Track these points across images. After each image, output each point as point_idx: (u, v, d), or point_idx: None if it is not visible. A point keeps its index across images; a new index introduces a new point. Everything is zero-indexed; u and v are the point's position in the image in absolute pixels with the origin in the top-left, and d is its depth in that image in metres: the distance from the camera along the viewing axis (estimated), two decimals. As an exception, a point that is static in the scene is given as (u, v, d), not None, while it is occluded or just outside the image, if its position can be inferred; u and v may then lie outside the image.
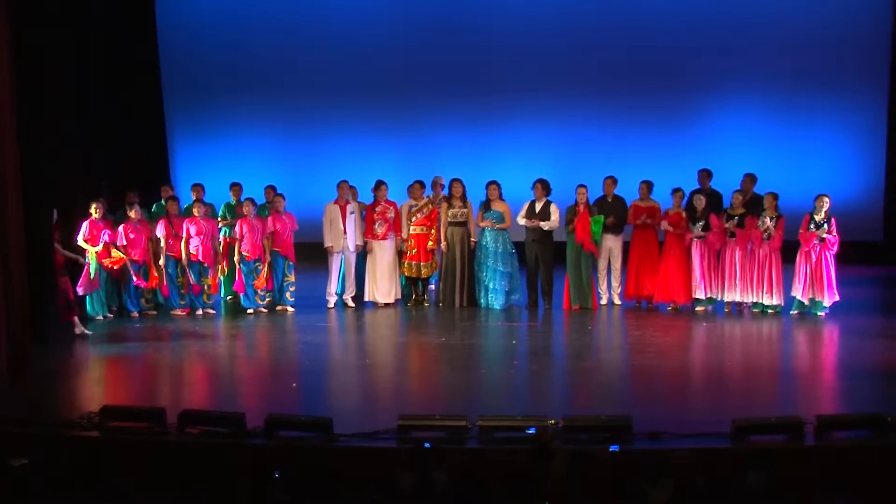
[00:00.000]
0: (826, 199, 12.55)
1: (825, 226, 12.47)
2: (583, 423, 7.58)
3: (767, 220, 12.61)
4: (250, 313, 13.35)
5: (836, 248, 12.51)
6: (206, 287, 13.45)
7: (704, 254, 12.91)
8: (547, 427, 7.33)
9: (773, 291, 12.68)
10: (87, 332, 11.92)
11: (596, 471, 6.35)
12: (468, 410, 7.85)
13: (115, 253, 12.80)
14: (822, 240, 12.42)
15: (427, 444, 6.62)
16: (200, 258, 13.32)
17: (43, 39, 11.70)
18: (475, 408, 8.02)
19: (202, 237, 13.32)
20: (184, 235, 13.25)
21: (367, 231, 13.77)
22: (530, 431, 7.32)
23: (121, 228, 13.01)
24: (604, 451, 6.62)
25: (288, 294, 13.60)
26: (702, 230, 12.87)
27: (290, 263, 13.59)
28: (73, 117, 13.64)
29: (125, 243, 12.95)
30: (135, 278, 13.00)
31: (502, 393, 9.35)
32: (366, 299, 13.89)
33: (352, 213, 13.74)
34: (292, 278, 13.63)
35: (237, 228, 13.50)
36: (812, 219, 12.54)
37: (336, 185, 13.84)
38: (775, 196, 12.77)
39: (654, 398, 9.00)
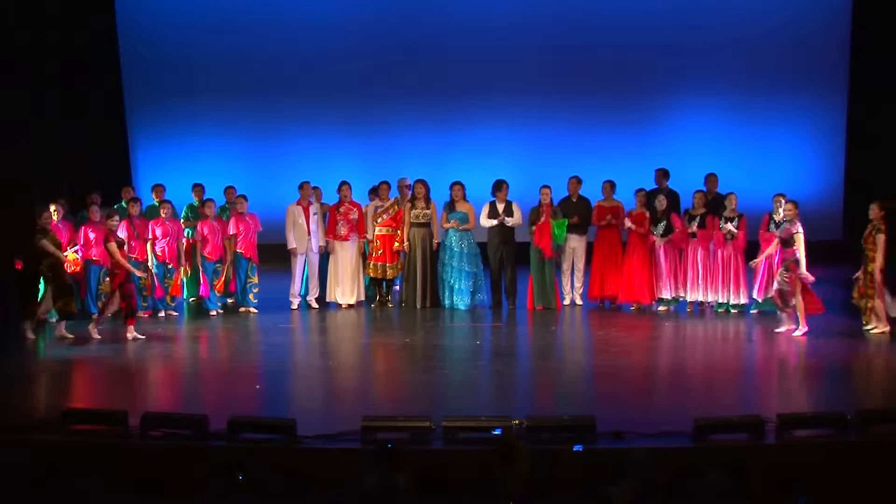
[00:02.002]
0: (783, 199, 12.62)
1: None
2: (547, 423, 7.60)
3: (729, 224, 12.67)
4: (213, 315, 13.27)
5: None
6: (168, 289, 13.36)
7: (669, 253, 12.98)
8: (511, 427, 7.34)
9: (736, 291, 12.77)
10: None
11: (560, 471, 6.36)
12: (432, 411, 7.84)
13: (70, 255, 12.48)
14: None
15: (390, 446, 6.60)
16: (167, 260, 13.23)
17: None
18: (439, 409, 8.01)
19: (168, 239, 13.21)
20: (149, 237, 13.13)
21: (329, 231, 13.72)
22: (495, 432, 7.32)
23: (81, 230, 12.87)
24: (568, 451, 6.62)
25: (251, 296, 13.54)
26: (664, 232, 12.93)
27: (254, 265, 13.53)
28: (31, 117, 13.48)
29: (82, 244, 12.79)
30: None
31: (467, 394, 9.34)
32: (328, 300, 13.85)
33: (315, 213, 13.70)
34: (255, 280, 13.57)
35: (199, 230, 13.41)
36: (772, 219, 12.61)
37: (298, 186, 13.81)
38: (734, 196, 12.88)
39: (618, 398, 9.04)
